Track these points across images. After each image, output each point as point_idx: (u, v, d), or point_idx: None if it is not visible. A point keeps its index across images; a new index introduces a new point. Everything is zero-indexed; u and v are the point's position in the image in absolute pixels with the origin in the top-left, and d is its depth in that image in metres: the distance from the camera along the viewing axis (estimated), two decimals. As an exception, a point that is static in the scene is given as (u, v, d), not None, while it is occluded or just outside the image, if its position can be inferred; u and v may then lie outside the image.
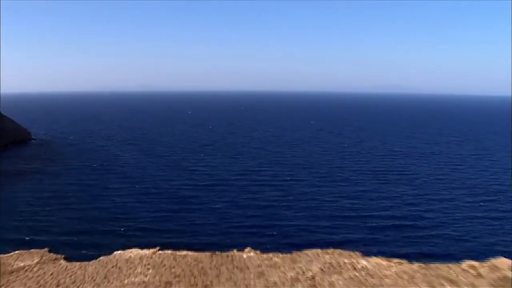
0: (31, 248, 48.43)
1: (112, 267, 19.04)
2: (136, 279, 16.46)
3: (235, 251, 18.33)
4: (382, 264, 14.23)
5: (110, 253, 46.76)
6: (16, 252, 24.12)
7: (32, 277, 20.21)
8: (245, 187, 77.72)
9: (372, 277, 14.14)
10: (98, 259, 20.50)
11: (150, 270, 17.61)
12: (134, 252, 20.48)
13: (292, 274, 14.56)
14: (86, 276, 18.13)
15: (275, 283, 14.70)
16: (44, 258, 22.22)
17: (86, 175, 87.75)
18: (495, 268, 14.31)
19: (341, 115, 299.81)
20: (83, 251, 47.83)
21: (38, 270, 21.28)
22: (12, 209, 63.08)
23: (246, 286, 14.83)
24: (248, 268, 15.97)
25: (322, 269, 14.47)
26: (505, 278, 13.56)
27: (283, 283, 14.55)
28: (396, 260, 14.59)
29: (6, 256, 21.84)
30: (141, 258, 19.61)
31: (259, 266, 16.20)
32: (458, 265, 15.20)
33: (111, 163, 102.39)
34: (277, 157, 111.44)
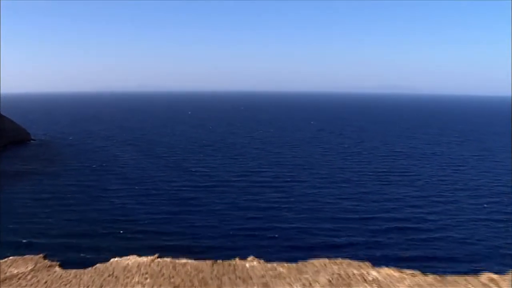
0: (29, 251, 47.78)
1: (109, 276, 18.20)
2: (133, 290, 15.63)
3: (237, 259, 17.49)
4: (394, 276, 13.46)
5: (108, 258, 46.06)
6: (10, 258, 23.18)
7: (26, 285, 19.32)
8: (246, 188, 76.90)
9: (384, 290, 13.35)
10: (94, 267, 19.62)
11: (148, 280, 16.78)
12: (131, 260, 19.60)
13: (298, 286, 13.74)
14: (81, 286, 17.29)
15: (280, 295, 13.91)
16: (38, 265, 21.34)
17: (85, 176, 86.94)
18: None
19: (341, 115, 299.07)
20: (81, 254, 47.12)
21: (32, 278, 20.37)
22: (10, 210, 62.25)
23: (249, 298, 14.06)
24: (251, 278, 15.15)
25: (330, 281, 13.66)
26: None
27: (289, 295, 13.76)
28: (409, 271, 13.82)
29: (-1, 263, 20.96)
30: (138, 266, 18.76)
31: (263, 276, 15.37)
32: (476, 277, 14.35)
33: (110, 163, 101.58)
34: (277, 157, 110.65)
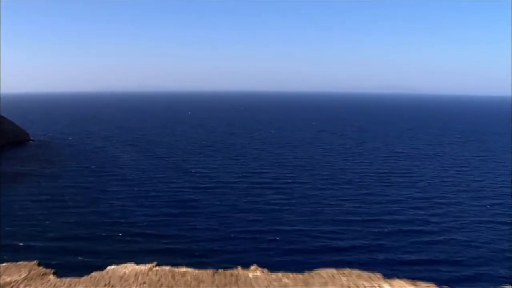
0: (26, 254, 47.00)
1: (105, 285, 17.34)
2: (130, 301, 14.81)
3: (239, 268, 16.65)
4: (407, 289, 12.59)
5: (106, 262, 45.34)
6: (3, 264, 22.21)
7: (18, 295, 18.37)
8: (246, 189, 76.10)
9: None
10: (90, 276, 18.72)
11: (146, 290, 15.92)
12: (129, 268, 18.75)
13: (304, 299, 12.90)
14: (76, 296, 16.38)
15: (285, 308, 13.10)
16: (32, 272, 20.44)
17: (84, 177, 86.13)
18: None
19: (342, 116, 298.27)
20: (79, 258, 46.36)
21: (25, 287, 19.44)
22: (8, 213, 61.42)
23: (253, 312, 13.22)
24: (254, 289, 14.30)
25: (338, 294, 12.82)
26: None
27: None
28: (424, 284, 12.98)
29: (-9, 270, 20.11)
30: (136, 275, 17.93)
31: (267, 287, 14.53)
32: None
33: (110, 164, 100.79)
34: (278, 158, 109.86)
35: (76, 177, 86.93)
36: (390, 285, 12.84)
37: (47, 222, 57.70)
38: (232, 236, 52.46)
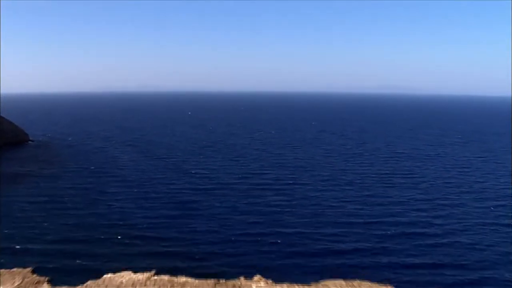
0: (23, 257, 46.25)
1: (101, 295, 16.61)
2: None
3: (242, 279, 15.93)
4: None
5: (104, 266, 44.70)
6: (-3, 272, 21.58)
7: (11, 305, 17.69)
8: (247, 191, 75.34)
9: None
10: (85, 285, 18.00)
11: (144, 301, 15.23)
12: (125, 277, 18.05)
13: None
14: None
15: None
16: (26, 280, 19.77)
17: (84, 178, 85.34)
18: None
19: (342, 116, 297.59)
20: (77, 261, 45.63)
21: (18, 296, 18.71)
22: (6, 215, 60.64)
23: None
24: (257, 302, 13.59)
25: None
26: None
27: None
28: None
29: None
30: (133, 284, 17.21)
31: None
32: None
33: (109, 165, 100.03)
34: (278, 159, 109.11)
35: (75, 178, 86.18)
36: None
37: (45, 224, 56.94)
38: (232, 238, 51.69)
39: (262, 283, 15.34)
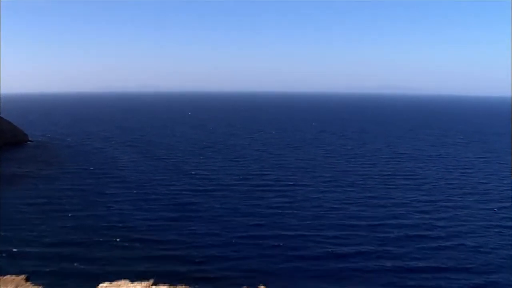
0: (19, 261, 45.40)
1: (96, 307, 15.73)
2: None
3: (245, 290, 15.07)
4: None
5: (102, 269, 43.85)
6: (-11, 280, 20.68)
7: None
8: (247, 192, 74.54)
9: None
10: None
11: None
12: (122, 286, 17.18)
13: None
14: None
15: None
16: (19, 289, 18.84)
17: (83, 180, 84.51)
18: None
19: (342, 116, 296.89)
20: (75, 264, 44.82)
21: (10, 307, 17.82)
22: (3, 216, 59.75)
23: None
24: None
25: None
26: None
27: None
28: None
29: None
30: (131, 295, 16.36)
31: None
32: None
33: (109, 166, 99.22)
34: (279, 160, 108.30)
35: (74, 179, 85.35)
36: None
37: (43, 227, 56.10)
38: (233, 241, 50.86)
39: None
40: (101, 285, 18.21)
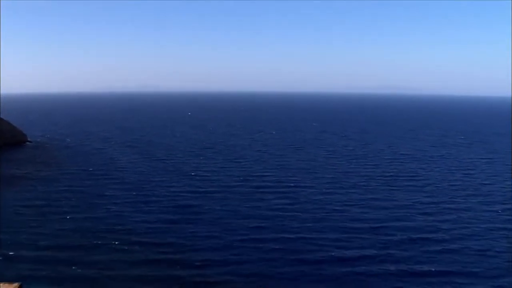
0: (16, 264, 44.53)
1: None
2: None
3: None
4: None
5: (99, 277, 42.93)
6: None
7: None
8: (248, 194, 73.65)
9: None
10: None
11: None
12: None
13: None
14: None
15: None
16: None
17: (81, 181, 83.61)
18: None
19: (343, 116, 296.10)
20: (72, 267, 43.97)
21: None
22: (0, 219, 58.88)
23: None
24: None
25: None
26: None
27: None
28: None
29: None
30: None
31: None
32: None
33: (108, 167, 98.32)
34: (280, 160, 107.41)
35: (73, 180, 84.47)
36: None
37: (41, 229, 55.23)
38: (234, 244, 49.96)
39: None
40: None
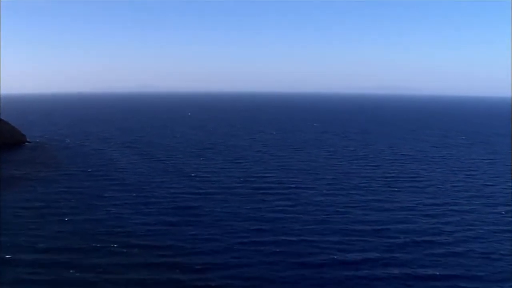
0: (13, 268, 43.85)
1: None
2: None
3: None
4: None
5: (99, 277, 42.29)
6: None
7: None
8: (248, 195, 72.96)
9: None
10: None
11: None
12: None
13: None
14: None
15: None
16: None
17: (80, 182, 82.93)
18: None
19: (343, 116, 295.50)
20: (71, 271, 43.30)
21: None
22: (-2, 221, 58.22)
23: None
24: None
25: None
26: None
27: None
28: None
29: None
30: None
31: None
32: None
33: (107, 168, 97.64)
34: (280, 161, 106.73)
35: (72, 181, 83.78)
36: None
37: (39, 232, 54.49)
38: (235, 247, 49.24)
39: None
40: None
